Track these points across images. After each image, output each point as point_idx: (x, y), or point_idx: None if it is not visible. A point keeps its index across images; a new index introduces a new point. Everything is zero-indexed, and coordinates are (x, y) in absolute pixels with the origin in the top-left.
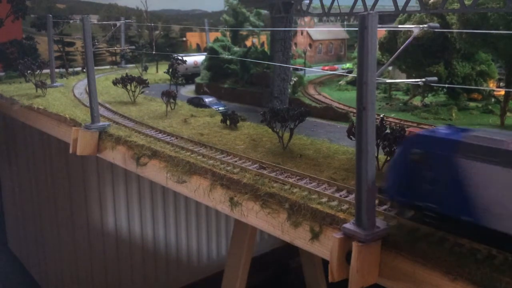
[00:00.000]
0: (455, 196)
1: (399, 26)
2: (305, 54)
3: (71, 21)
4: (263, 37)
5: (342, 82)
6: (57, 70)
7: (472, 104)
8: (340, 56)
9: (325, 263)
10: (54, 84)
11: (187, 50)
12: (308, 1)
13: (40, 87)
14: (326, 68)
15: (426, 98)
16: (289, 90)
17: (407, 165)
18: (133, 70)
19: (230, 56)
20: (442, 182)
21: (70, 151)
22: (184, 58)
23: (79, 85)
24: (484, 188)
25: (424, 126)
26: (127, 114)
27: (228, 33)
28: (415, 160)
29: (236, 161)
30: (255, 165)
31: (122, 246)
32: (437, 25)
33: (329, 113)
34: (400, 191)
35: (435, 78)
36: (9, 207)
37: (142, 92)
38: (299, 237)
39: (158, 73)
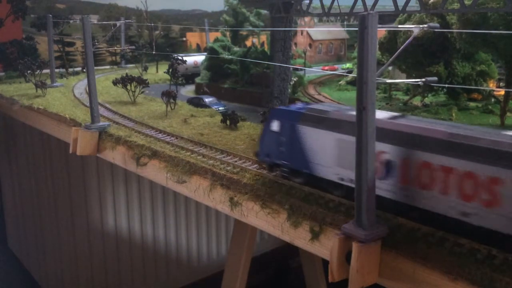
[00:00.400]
0: (298, 154)
1: (399, 26)
2: (305, 54)
3: (71, 21)
4: (263, 37)
5: (342, 82)
6: (57, 70)
7: (472, 104)
8: (340, 56)
9: (325, 263)
10: (54, 84)
11: (187, 50)
12: (308, 1)
13: (40, 87)
14: (326, 68)
15: (426, 98)
16: (289, 90)
17: (269, 133)
18: (133, 70)
19: (230, 56)
20: (290, 144)
21: (70, 151)
22: (184, 58)
23: (79, 85)
24: (315, 147)
25: None
26: (127, 114)
27: (228, 33)
28: (273, 128)
29: (236, 161)
30: (255, 165)
31: (122, 246)
32: (437, 25)
33: None
34: (266, 153)
35: (435, 78)
36: (9, 207)
37: (142, 92)
38: (299, 237)
39: (158, 73)
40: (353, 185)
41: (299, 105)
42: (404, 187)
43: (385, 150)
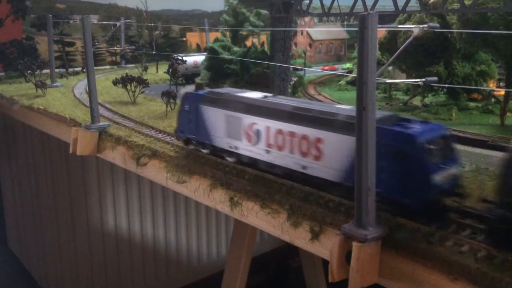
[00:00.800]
0: (202, 129)
1: (399, 26)
2: (305, 54)
3: (71, 21)
4: (263, 37)
5: (342, 82)
6: (57, 70)
7: (472, 104)
8: (340, 56)
9: (325, 263)
10: (54, 84)
11: (187, 50)
12: (308, 1)
13: (40, 87)
14: (326, 68)
15: (426, 98)
16: (289, 90)
17: (182, 113)
18: (133, 70)
19: (230, 56)
20: (196, 121)
21: (70, 151)
22: (184, 58)
23: (79, 85)
24: (212, 122)
25: None
26: (127, 114)
27: (228, 33)
28: (185, 109)
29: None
30: None
31: (122, 246)
32: (437, 25)
33: None
34: (181, 130)
35: (435, 78)
36: (9, 207)
37: (142, 92)
38: (299, 237)
39: (158, 73)
40: (238, 151)
41: (205, 89)
42: (268, 149)
43: (255, 122)
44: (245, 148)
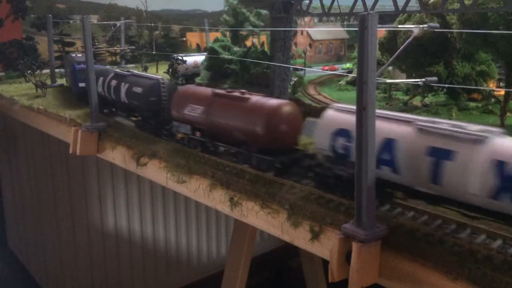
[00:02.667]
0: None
1: (399, 26)
2: (305, 54)
3: (71, 21)
4: (263, 37)
5: (342, 82)
6: (57, 70)
7: (472, 104)
8: (340, 56)
9: (325, 263)
10: (54, 84)
11: (187, 50)
12: (308, 1)
13: (40, 87)
14: (326, 68)
15: (426, 98)
16: (289, 90)
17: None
18: (133, 70)
19: (230, 56)
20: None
21: (70, 151)
22: (184, 58)
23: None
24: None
25: None
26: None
27: (228, 33)
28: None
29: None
30: None
31: (122, 246)
32: (437, 25)
33: None
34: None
35: (435, 78)
36: (9, 207)
37: None
38: (299, 237)
39: (158, 73)
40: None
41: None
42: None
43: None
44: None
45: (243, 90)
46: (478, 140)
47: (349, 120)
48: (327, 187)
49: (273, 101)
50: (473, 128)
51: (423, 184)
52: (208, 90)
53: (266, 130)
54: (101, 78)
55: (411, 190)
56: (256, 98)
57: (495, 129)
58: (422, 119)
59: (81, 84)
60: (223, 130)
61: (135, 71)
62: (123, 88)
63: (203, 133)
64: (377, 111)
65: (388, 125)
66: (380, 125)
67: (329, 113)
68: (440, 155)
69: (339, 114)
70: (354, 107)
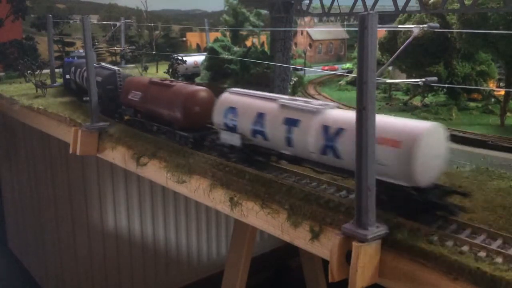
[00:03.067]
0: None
1: (399, 26)
2: (305, 54)
3: (71, 21)
4: (263, 37)
5: (342, 82)
6: (57, 70)
7: (472, 104)
8: (340, 56)
9: (325, 263)
10: (54, 84)
11: (187, 50)
12: (308, 1)
13: (40, 87)
14: (326, 68)
15: (426, 98)
16: (289, 90)
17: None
18: (133, 70)
19: (230, 56)
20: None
21: (70, 151)
22: (184, 58)
23: None
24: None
25: None
26: None
27: (228, 33)
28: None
29: None
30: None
31: (122, 246)
32: (437, 25)
33: None
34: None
35: (435, 78)
36: (9, 207)
37: None
38: (299, 237)
39: (158, 73)
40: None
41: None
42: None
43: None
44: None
45: (172, 79)
46: (315, 111)
47: (236, 99)
48: (224, 155)
49: (190, 88)
50: (316, 103)
51: (283, 147)
52: (146, 79)
53: (183, 112)
54: (78, 70)
55: (279, 153)
56: (178, 85)
57: (332, 103)
58: (284, 97)
59: (67, 76)
60: (155, 112)
61: (103, 64)
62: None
63: (142, 115)
64: (250, 91)
65: (260, 102)
66: (254, 102)
67: (222, 96)
68: (291, 123)
69: (229, 95)
70: (243, 90)
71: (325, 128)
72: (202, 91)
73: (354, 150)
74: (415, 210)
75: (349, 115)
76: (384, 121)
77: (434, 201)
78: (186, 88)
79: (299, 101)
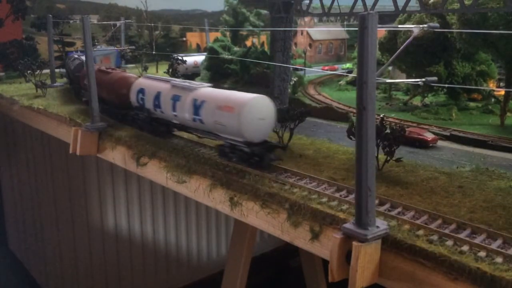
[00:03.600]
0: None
1: (399, 26)
2: (305, 54)
3: (71, 21)
4: (263, 37)
5: (342, 82)
6: (57, 70)
7: (472, 104)
8: (340, 56)
9: (325, 263)
10: (54, 84)
11: (187, 50)
12: (308, 1)
13: (40, 87)
14: (326, 68)
15: (426, 98)
16: (289, 90)
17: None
18: (133, 70)
19: (230, 56)
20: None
21: (70, 151)
22: (184, 58)
23: None
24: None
25: (424, 126)
26: None
27: (228, 33)
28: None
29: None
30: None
31: (122, 246)
32: (437, 25)
33: (329, 113)
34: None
35: (435, 78)
36: (9, 207)
37: None
38: (299, 237)
39: (158, 73)
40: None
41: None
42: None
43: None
44: None
45: (113, 67)
46: (190, 89)
47: (145, 82)
48: (140, 127)
49: (121, 75)
50: (194, 83)
51: (172, 117)
52: (95, 67)
53: (115, 93)
54: (69, 61)
55: (172, 123)
56: (114, 73)
57: (207, 84)
58: (176, 80)
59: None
60: (99, 93)
61: (79, 54)
62: (72, 66)
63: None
64: (156, 76)
65: (159, 84)
66: (155, 84)
67: (137, 80)
68: (175, 99)
69: (141, 80)
70: (152, 75)
71: (194, 101)
72: (130, 77)
73: (212, 116)
74: (246, 159)
75: (213, 91)
76: (225, 93)
77: (258, 153)
78: (118, 75)
79: (184, 82)
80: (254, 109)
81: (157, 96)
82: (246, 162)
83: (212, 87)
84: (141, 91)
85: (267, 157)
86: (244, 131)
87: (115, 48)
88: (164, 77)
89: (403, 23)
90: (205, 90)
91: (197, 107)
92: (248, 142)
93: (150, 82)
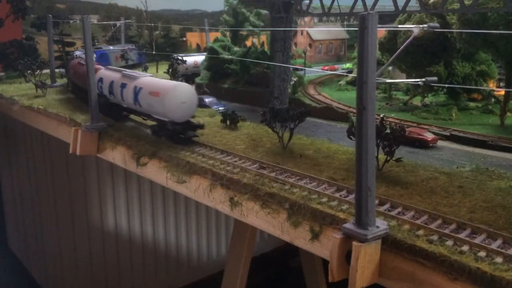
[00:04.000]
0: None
1: (399, 26)
2: (305, 54)
3: (71, 21)
4: (263, 37)
5: (342, 82)
6: (57, 70)
7: (472, 104)
8: (340, 56)
9: (325, 263)
10: (54, 84)
11: (187, 50)
12: (308, 1)
13: (40, 87)
14: (326, 68)
15: (426, 98)
16: (289, 90)
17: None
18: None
19: (230, 56)
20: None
21: (70, 151)
22: (184, 58)
23: None
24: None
25: (424, 126)
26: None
27: (228, 33)
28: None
29: (236, 161)
30: (255, 165)
31: (122, 246)
32: (437, 25)
33: (329, 113)
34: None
35: (435, 78)
36: (9, 207)
37: None
38: (299, 237)
39: (158, 73)
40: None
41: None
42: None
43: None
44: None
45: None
46: (133, 78)
47: (103, 73)
48: (100, 111)
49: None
50: (138, 73)
51: (122, 102)
52: (76, 61)
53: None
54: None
55: (121, 106)
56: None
57: (149, 74)
58: (126, 71)
59: None
60: (77, 83)
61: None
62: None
63: (73, 85)
64: (114, 68)
65: (113, 74)
66: (111, 74)
67: (99, 71)
68: (123, 86)
69: (102, 70)
70: (111, 67)
71: (135, 88)
72: (97, 69)
73: (146, 100)
74: (171, 136)
75: (149, 79)
76: (156, 81)
77: (180, 130)
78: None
79: (131, 73)
80: (177, 94)
81: (111, 84)
82: (171, 139)
83: (152, 76)
84: (100, 80)
85: (188, 134)
86: (168, 112)
87: (134, 46)
88: (120, 68)
89: (403, 23)
90: (144, 79)
91: (136, 93)
92: (172, 121)
93: (108, 72)
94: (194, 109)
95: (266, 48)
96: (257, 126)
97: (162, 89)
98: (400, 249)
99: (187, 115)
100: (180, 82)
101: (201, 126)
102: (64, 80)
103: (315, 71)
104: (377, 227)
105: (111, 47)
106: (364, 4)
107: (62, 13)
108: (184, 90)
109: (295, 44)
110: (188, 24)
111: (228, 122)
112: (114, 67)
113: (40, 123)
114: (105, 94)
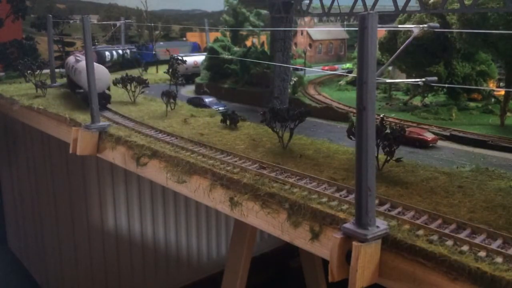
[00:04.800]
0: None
1: (399, 26)
2: (305, 54)
3: (71, 21)
4: (263, 37)
5: (342, 82)
6: (57, 70)
7: (472, 104)
8: (340, 56)
9: (325, 263)
10: (54, 84)
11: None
12: (308, 1)
13: (40, 87)
14: (326, 68)
15: (426, 98)
16: (289, 90)
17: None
18: (133, 70)
19: (230, 56)
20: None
21: (70, 151)
22: (184, 58)
23: None
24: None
25: (424, 126)
26: (127, 114)
27: (228, 33)
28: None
29: (236, 161)
30: (255, 165)
31: (122, 246)
32: (437, 25)
33: (329, 113)
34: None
35: (435, 78)
36: (9, 207)
37: (142, 92)
38: (299, 237)
39: (158, 73)
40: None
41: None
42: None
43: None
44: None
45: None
46: (77, 62)
47: (71, 59)
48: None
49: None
50: (82, 57)
51: (79, 84)
52: (73, 59)
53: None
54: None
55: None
56: (83, 62)
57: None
58: (79, 56)
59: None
60: (70, 77)
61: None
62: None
63: (68, 80)
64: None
65: (72, 59)
66: (71, 59)
67: (68, 57)
68: (74, 69)
69: (70, 57)
70: (77, 55)
71: (75, 70)
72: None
73: (77, 77)
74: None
75: (82, 63)
76: (83, 64)
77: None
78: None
79: (78, 58)
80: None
81: (73, 69)
82: (86, 101)
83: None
84: (67, 64)
85: (100, 102)
86: (85, 86)
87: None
88: (78, 55)
89: (403, 23)
90: (81, 63)
91: (77, 74)
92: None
93: (72, 59)
94: (106, 84)
95: (266, 48)
96: (257, 126)
97: (83, 69)
98: (400, 249)
99: (101, 88)
100: (97, 64)
101: (108, 97)
102: (64, 80)
103: (315, 71)
104: (377, 227)
105: (161, 43)
106: (364, 4)
107: (62, 13)
108: (99, 70)
109: (295, 44)
110: (188, 24)
111: (228, 122)
112: (79, 55)
113: (40, 123)
114: (69, 75)
